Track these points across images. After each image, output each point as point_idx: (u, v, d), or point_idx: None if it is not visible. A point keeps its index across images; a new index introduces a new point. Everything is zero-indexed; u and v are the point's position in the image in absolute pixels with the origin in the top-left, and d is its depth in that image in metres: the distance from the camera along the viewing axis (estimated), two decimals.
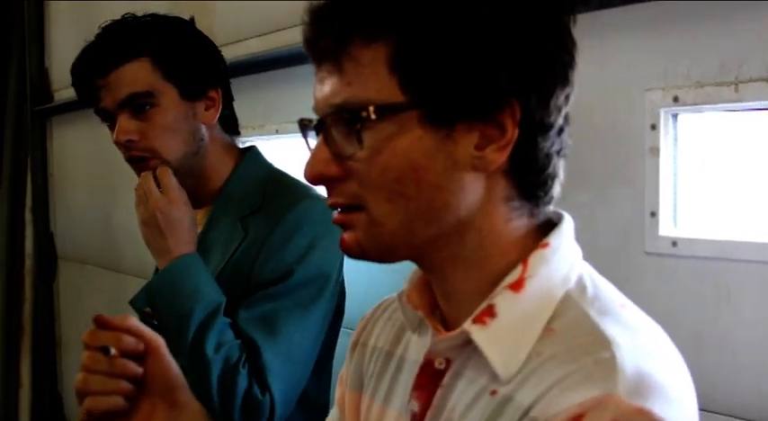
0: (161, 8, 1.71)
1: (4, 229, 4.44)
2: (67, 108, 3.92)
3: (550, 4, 0.84)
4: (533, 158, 0.85)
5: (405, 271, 0.98)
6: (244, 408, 1.50)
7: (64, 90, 3.97)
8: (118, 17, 1.65)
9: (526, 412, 0.79)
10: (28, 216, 4.45)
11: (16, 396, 4.44)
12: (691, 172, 1.44)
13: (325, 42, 0.84)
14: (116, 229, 3.59)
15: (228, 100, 1.72)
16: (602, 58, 1.50)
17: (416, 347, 0.99)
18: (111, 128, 1.63)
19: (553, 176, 0.88)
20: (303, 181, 0.89)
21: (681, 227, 1.44)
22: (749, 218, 1.38)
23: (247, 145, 1.79)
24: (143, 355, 1.06)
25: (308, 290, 1.57)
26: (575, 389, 0.76)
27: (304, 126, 0.91)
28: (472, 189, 0.85)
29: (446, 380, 0.90)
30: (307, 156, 0.89)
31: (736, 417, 1.35)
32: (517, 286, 0.85)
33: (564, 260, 0.88)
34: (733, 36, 1.33)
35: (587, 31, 1.45)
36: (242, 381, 1.50)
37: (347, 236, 0.88)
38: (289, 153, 2.24)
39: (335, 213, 0.89)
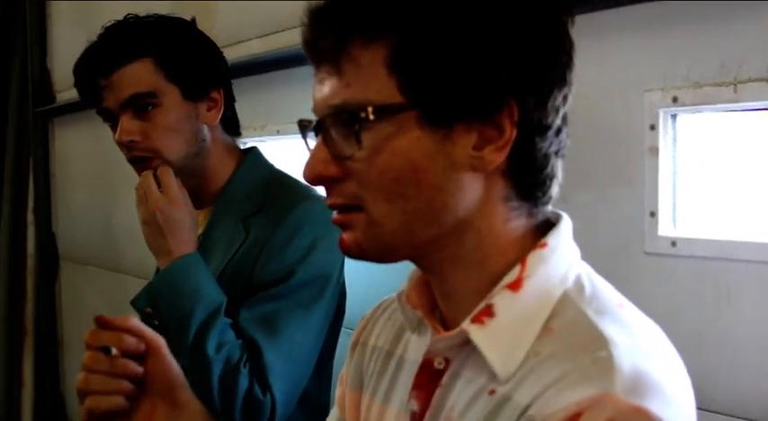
0: (163, 9, 1.71)
1: (6, 230, 4.45)
2: (69, 109, 3.92)
3: (549, 4, 0.85)
4: (531, 159, 0.86)
5: (405, 271, 0.98)
6: (245, 408, 1.50)
7: (66, 91, 3.97)
8: (120, 18, 1.65)
9: (524, 411, 0.79)
10: (30, 217, 4.45)
11: (19, 396, 4.44)
12: (690, 172, 1.44)
13: (324, 43, 0.84)
14: (117, 230, 3.59)
15: (230, 101, 1.72)
16: (601, 59, 1.51)
17: (416, 347, 0.99)
18: (114, 128, 1.63)
19: (551, 177, 0.88)
20: (304, 182, 0.90)
21: (680, 227, 1.44)
22: (748, 218, 1.38)
23: (248, 146, 1.80)
24: (144, 355, 1.06)
25: (309, 290, 1.58)
26: (572, 387, 0.76)
27: (303, 127, 0.91)
28: (471, 189, 0.85)
29: (445, 379, 0.91)
30: (307, 156, 0.89)
31: (736, 417, 1.35)
32: (515, 286, 0.86)
33: (562, 260, 0.88)
34: (732, 36, 1.33)
35: (587, 31, 1.47)
36: (243, 381, 1.50)
37: (346, 236, 0.89)
38: (290, 154, 2.24)
39: (335, 214, 0.89)
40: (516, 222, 0.88)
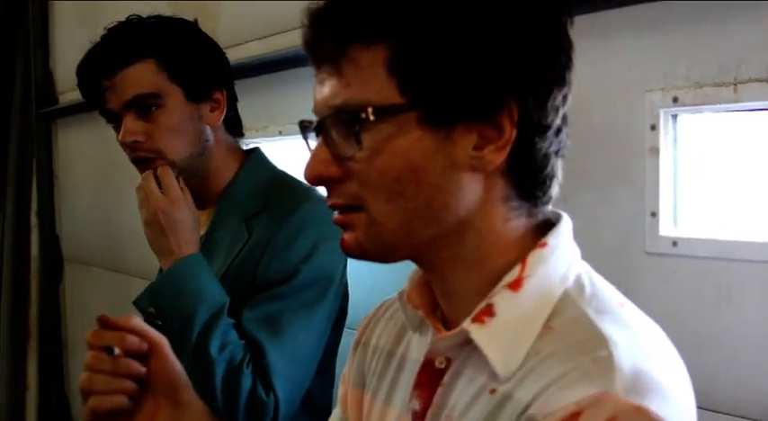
0: (165, 11, 1.71)
1: (9, 232, 4.45)
2: (72, 110, 3.93)
3: (547, 4, 0.85)
4: (531, 159, 0.86)
5: (407, 271, 0.99)
6: (248, 408, 1.50)
7: (69, 93, 3.97)
8: (122, 19, 1.66)
9: (525, 409, 0.80)
10: (33, 219, 4.46)
11: (23, 398, 4.45)
12: (690, 172, 1.44)
13: (325, 45, 0.84)
14: (120, 231, 3.59)
15: (233, 101, 1.72)
16: (603, 59, 1.51)
17: (417, 347, 0.99)
18: (117, 129, 1.63)
19: (551, 176, 0.88)
20: (306, 182, 0.90)
21: (681, 227, 1.44)
22: (749, 217, 1.38)
23: (251, 146, 1.80)
24: (146, 355, 1.06)
25: (312, 290, 1.58)
26: (572, 386, 0.77)
27: (304, 127, 0.92)
28: (471, 189, 0.85)
29: (446, 378, 0.91)
30: (308, 157, 0.89)
31: (737, 416, 1.35)
32: (516, 285, 0.86)
33: (562, 259, 0.88)
34: (731, 37, 1.34)
35: (589, 32, 1.48)
36: (246, 381, 1.50)
37: (347, 236, 0.89)
38: (292, 154, 2.25)
39: (336, 214, 0.89)
40: (516, 222, 0.89)
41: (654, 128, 1.44)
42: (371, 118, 0.82)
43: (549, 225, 0.90)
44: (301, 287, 1.57)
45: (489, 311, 0.86)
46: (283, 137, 2.38)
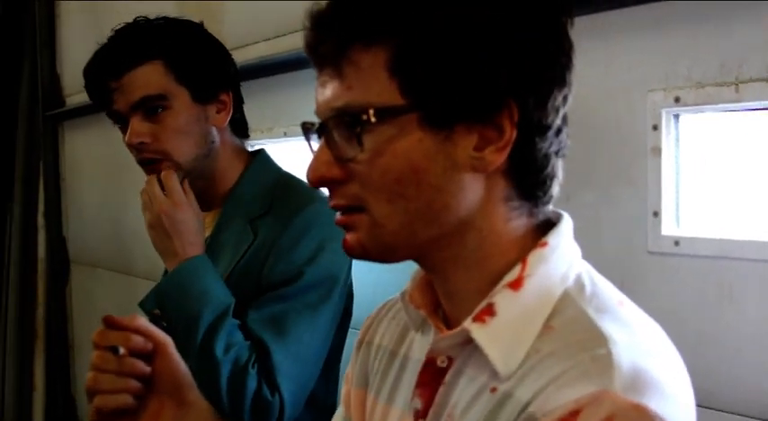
0: (171, 12, 1.72)
1: (17, 234, 4.46)
2: (79, 113, 3.93)
3: (549, 5, 0.85)
4: (532, 159, 0.86)
5: (410, 271, 0.99)
6: (253, 409, 1.51)
7: (76, 95, 3.98)
8: (129, 20, 1.66)
9: (524, 408, 0.80)
10: (40, 220, 4.46)
11: (30, 399, 4.45)
12: (692, 172, 1.45)
13: (326, 47, 0.85)
14: (127, 233, 3.60)
15: (239, 103, 1.73)
16: (604, 60, 1.51)
17: (420, 346, 1.00)
18: (123, 130, 1.64)
19: (552, 176, 0.89)
20: None
21: (683, 226, 1.45)
22: (751, 217, 1.38)
23: (256, 148, 1.81)
24: (151, 354, 1.07)
25: (317, 291, 1.58)
26: (571, 385, 0.77)
27: (306, 129, 0.92)
28: (472, 189, 0.86)
29: (448, 377, 0.91)
30: (310, 158, 0.90)
31: (738, 414, 1.35)
32: (516, 285, 0.87)
33: (563, 259, 0.89)
34: (733, 36, 1.34)
35: (591, 32, 1.48)
36: (251, 382, 1.50)
37: (349, 237, 0.89)
38: (297, 155, 2.25)
39: (338, 215, 0.90)
40: (517, 222, 0.89)
41: (656, 128, 1.44)
42: (373, 120, 0.83)
43: (549, 225, 0.91)
44: (306, 288, 1.57)
45: (490, 311, 0.86)
46: (288, 138, 2.39)
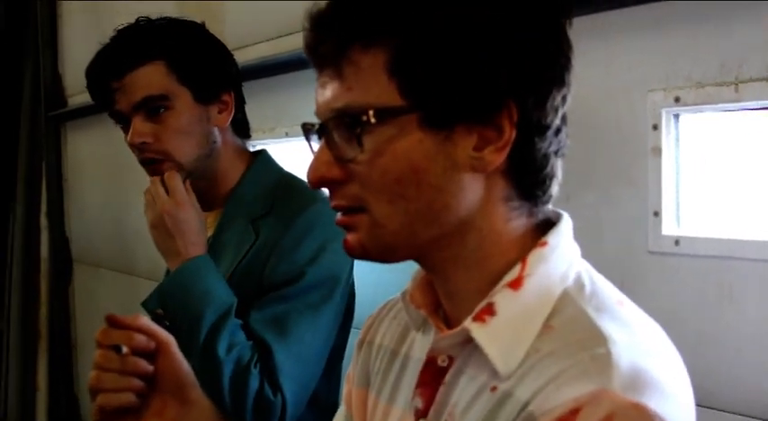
0: (172, 13, 1.72)
1: (19, 234, 4.46)
2: (81, 113, 3.94)
3: (548, 5, 0.85)
4: (531, 159, 0.87)
5: (411, 271, 1.00)
6: (255, 409, 1.51)
7: (78, 95, 3.99)
8: (130, 20, 1.66)
9: (524, 407, 0.80)
10: (43, 221, 4.47)
11: (33, 398, 4.46)
12: (693, 171, 1.45)
13: (326, 48, 0.85)
14: (130, 233, 3.60)
15: (240, 103, 1.73)
16: (605, 60, 1.51)
17: (420, 345, 1.00)
18: (125, 130, 1.64)
19: (551, 176, 0.89)
20: None
21: (683, 226, 1.45)
22: (751, 216, 1.38)
23: (258, 148, 1.81)
24: (154, 353, 1.08)
25: (319, 291, 1.59)
26: (571, 384, 0.77)
27: (307, 130, 0.92)
28: (472, 189, 0.86)
29: (448, 377, 0.92)
30: (311, 159, 0.90)
31: (738, 414, 1.35)
32: (516, 284, 0.87)
33: (562, 258, 0.89)
34: (732, 36, 1.34)
35: (592, 32, 1.48)
36: (253, 382, 1.51)
37: (350, 237, 0.90)
38: (299, 156, 2.26)
39: (338, 215, 0.90)
40: (517, 222, 0.89)
41: (656, 128, 1.44)
42: (372, 120, 0.83)
43: (549, 224, 0.91)
44: (308, 288, 1.57)
45: (490, 310, 0.87)
46: (290, 138, 2.39)
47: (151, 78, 1.60)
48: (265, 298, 1.58)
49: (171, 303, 1.58)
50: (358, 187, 0.86)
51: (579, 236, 0.92)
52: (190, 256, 1.59)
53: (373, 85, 0.83)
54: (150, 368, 1.07)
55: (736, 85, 1.33)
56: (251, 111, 1.78)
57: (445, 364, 0.92)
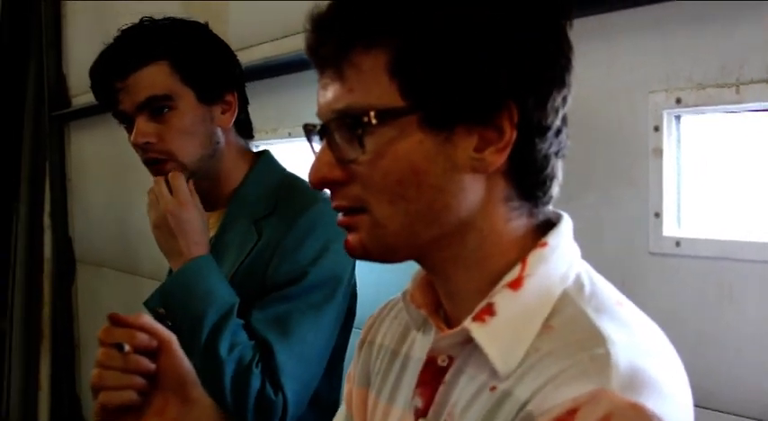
0: (176, 13, 1.73)
1: (23, 234, 4.46)
2: (85, 113, 3.94)
3: (549, 6, 0.86)
4: (531, 159, 0.87)
5: (412, 271, 1.00)
6: (257, 408, 1.52)
7: (81, 95, 3.99)
8: (134, 20, 1.67)
9: (523, 406, 0.81)
10: (46, 221, 4.47)
11: (35, 398, 4.46)
12: (693, 173, 1.45)
13: (327, 49, 0.86)
14: (133, 233, 3.60)
15: (244, 104, 1.73)
16: (606, 61, 1.51)
17: (421, 345, 1.00)
18: (129, 130, 1.64)
19: (551, 177, 0.89)
20: None
21: (684, 227, 1.45)
22: (752, 218, 1.38)
23: (261, 148, 1.81)
24: (156, 352, 1.08)
25: (321, 291, 1.59)
26: (569, 383, 0.78)
27: (309, 131, 0.93)
28: (472, 190, 0.86)
29: (448, 376, 0.92)
30: (313, 160, 0.91)
31: (738, 415, 1.35)
32: (516, 284, 0.87)
33: (562, 259, 0.89)
34: (733, 38, 1.34)
35: (591, 33, 1.49)
36: (255, 382, 1.51)
37: (351, 237, 0.90)
38: (301, 156, 2.26)
39: (340, 216, 0.91)
40: (517, 222, 0.90)
41: (657, 129, 1.44)
42: (374, 121, 0.83)
43: (549, 225, 0.91)
44: (310, 288, 1.58)
45: (490, 310, 0.87)
46: (293, 139, 2.39)
47: (155, 78, 1.61)
48: (268, 298, 1.58)
49: (173, 303, 1.59)
50: (359, 188, 0.87)
51: (580, 236, 0.93)
52: (192, 256, 1.60)
53: (374, 86, 0.84)
54: (152, 366, 1.08)
55: (738, 86, 1.33)
56: (254, 111, 1.78)
57: (445, 364, 0.93)
